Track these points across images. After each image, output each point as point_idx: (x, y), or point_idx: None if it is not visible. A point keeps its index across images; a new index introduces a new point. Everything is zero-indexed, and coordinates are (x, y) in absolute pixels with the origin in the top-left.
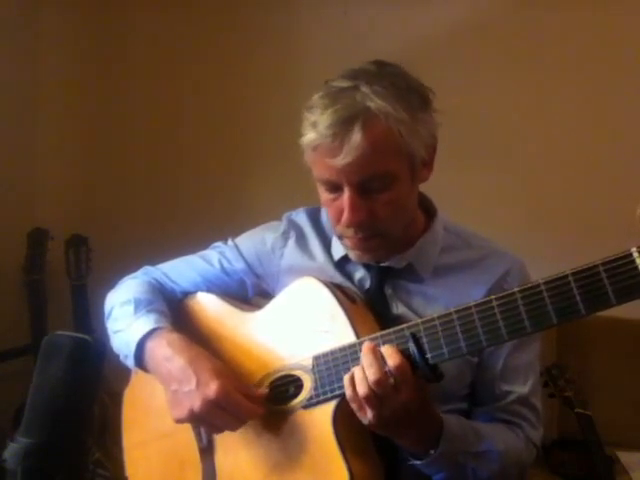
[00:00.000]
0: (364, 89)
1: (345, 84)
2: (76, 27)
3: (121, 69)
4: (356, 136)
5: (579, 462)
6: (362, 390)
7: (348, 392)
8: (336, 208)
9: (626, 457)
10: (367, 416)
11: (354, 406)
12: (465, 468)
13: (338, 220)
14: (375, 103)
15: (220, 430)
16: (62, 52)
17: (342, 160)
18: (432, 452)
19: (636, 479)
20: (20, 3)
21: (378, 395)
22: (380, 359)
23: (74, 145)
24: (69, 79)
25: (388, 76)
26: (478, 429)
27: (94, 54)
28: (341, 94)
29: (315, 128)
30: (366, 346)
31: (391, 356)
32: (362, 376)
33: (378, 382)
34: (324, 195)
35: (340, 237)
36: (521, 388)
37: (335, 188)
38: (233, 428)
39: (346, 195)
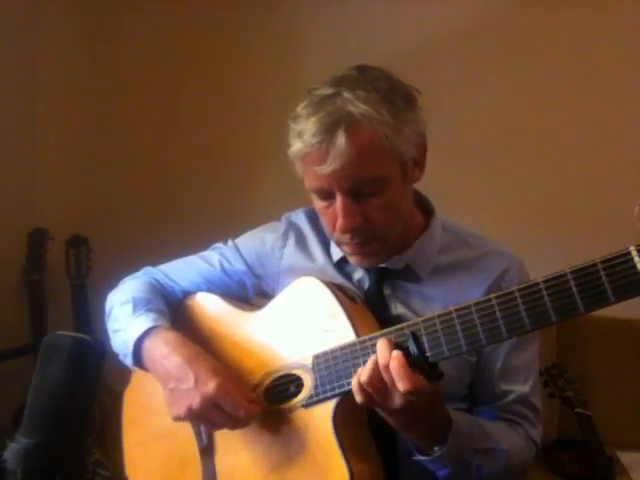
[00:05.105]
0: (346, 94)
1: (327, 91)
2: (76, 27)
3: (121, 69)
4: (340, 141)
5: (579, 462)
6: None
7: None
8: (330, 215)
9: (626, 457)
10: (374, 405)
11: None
12: (470, 465)
13: (334, 227)
14: (357, 108)
15: (219, 427)
16: (62, 52)
17: (329, 167)
18: (437, 448)
19: (636, 479)
20: (20, 3)
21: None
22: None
23: (74, 145)
24: (69, 79)
25: (370, 80)
26: (484, 427)
27: (94, 54)
28: (324, 101)
29: (301, 137)
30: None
31: (403, 378)
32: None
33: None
34: (318, 203)
35: (338, 244)
36: (521, 387)
37: (328, 195)
38: (232, 427)
39: (339, 201)
